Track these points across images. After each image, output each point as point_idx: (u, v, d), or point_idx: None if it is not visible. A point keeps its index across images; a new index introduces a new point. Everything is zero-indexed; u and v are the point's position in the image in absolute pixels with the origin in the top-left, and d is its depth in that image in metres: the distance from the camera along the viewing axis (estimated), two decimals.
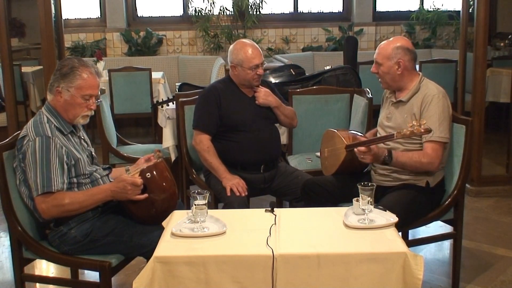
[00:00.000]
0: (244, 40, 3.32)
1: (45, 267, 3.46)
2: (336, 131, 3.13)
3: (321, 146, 3.31)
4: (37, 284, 3.30)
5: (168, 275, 2.10)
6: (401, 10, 7.97)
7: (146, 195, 2.47)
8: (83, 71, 2.53)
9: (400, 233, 2.39)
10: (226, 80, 3.35)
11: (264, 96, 3.27)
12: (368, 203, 2.31)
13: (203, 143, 3.21)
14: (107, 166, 2.85)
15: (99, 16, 7.60)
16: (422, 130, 2.54)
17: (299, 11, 7.86)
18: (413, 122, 2.56)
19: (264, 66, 3.26)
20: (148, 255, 2.31)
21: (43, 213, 2.43)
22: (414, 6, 7.93)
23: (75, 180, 2.52)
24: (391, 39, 2.97)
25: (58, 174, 2.41)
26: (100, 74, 2.64)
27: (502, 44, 7.14)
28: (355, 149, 2.74)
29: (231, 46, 3.27)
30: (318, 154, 3.74)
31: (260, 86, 3.30)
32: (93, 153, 2.73)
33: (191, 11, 7.44)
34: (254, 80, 3.23)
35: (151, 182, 2.49)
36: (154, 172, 2.51)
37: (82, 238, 2.51)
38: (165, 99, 4.36)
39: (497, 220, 4.13)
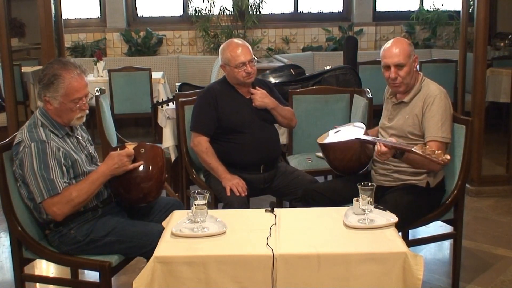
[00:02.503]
0: (234, 39, 3.27)
1: (45, 267, 3.46)
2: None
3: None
4: (37, 284, 3.30)
5: (168, 275, 2.10)
6: (401, 10, 7.96)
7: (141, 162, 2.54)
8: (65, 78, 2.44)
9: (400, 233, 2.39)
10: (224, 81, 3.32)
11: (260, 98, 3.24)
12: (368, 203, 2.31)
13: (201, 144, 3.21)
14: None
15: (99, 16, 7.60)
16: (440, 161, 2.41)
17: (299, 11, 7.85)
18: (437, 151, 2.43)
19: (255, 63, 3.19)
20: (148, 255, 2.31)
21: (56, 216, 2.41)
22: (414, 6, 7.92)
23: (74, 181, 2.49)
24: (391, 40, 2.91)
25: (58, 176, 2.40)
26: (85, 71, 2.54)
27: (502, 44, 7.13)
28: (377, 147, 2.65)
29: (221, 46, 3.26)
30: (318, 154, 3.74)
31: (257, 88, 3.28)
32: (92, 153, 2.70)
33: (191, 11, 7.43)
34: (245, 78, 3.17)
35: (142, 156, 2.58)
36: (148, 150, 2.62)
37: (82, 238, 2.51)
38: (165, 99, 4.37)
39: (497, 220, 4.13)
